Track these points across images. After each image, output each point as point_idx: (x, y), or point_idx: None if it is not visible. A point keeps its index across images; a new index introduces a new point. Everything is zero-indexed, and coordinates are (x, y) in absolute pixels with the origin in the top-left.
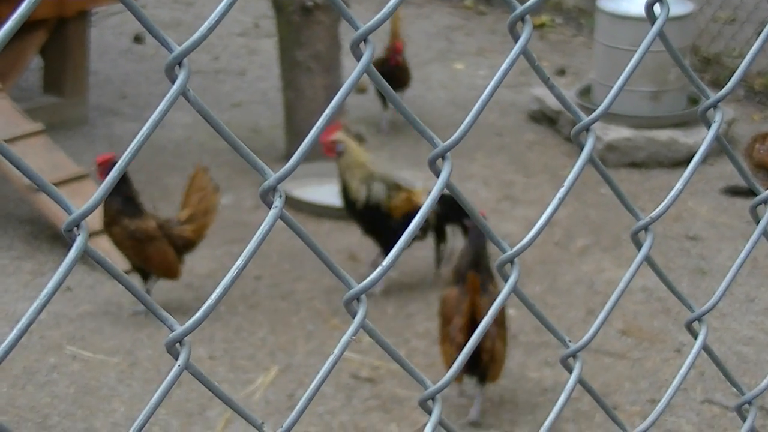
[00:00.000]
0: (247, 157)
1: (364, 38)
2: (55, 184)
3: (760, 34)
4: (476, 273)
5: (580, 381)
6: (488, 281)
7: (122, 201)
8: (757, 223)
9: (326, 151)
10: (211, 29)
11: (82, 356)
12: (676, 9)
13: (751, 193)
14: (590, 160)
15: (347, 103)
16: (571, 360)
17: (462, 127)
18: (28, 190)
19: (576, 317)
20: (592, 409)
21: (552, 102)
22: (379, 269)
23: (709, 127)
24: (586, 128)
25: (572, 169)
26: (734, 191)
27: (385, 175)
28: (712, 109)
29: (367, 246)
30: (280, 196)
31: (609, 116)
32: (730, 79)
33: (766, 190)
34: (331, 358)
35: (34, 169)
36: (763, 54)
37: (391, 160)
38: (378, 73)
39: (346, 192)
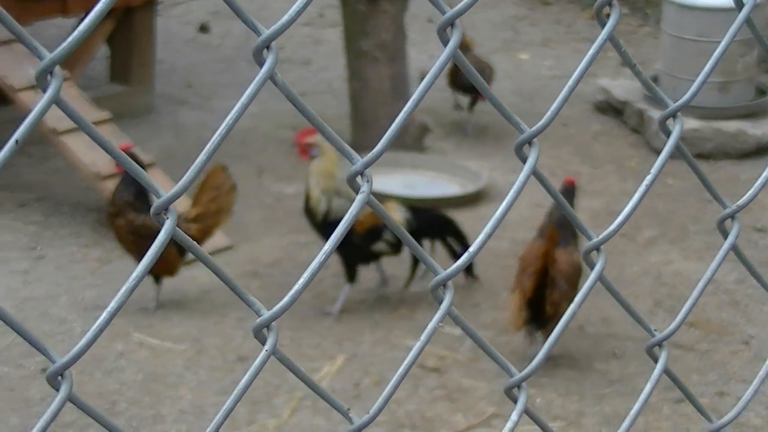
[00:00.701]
0: (335, 142)
1: (451, 22)
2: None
3: None
4: (557, 229)
5: (666, 371)
6: (570, 240)
7: (134, 194)
8: None
9: (299, 152)
10: (299, 12)
11: (149, 343)
12: None
13: None
14: (677, 148)
15: (412, 92)
16: (656, 349)
17: (548, 114)
18: (95, 179)
19: (643, 308)
20: (660, 401)
21: (618, 92)
22: (465, 256)
23: None
24: (673, 114)
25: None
26: None
27: (347, 190)
28: None
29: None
30: (368, 181)
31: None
32: None
33: None
34: (418, 344)
35: (103, 157)
36: None
37: (457, 150)
38: (464, 58)
39: (307, 200)
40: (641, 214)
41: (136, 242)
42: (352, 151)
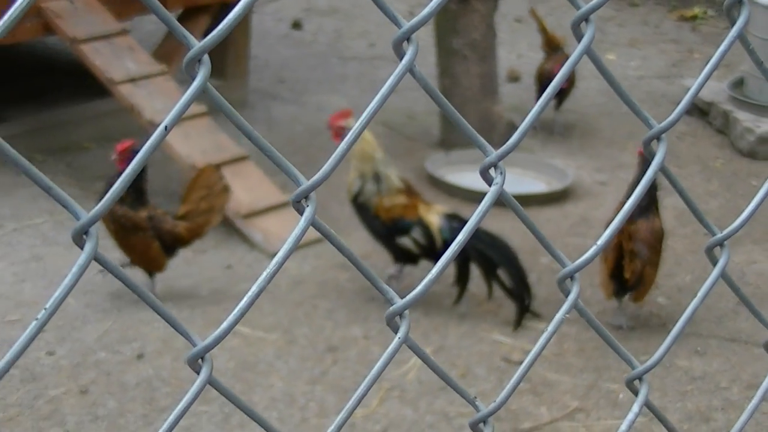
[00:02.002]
0: (471, 135)
1: (585, 18)
2: (218, 164)
3: None
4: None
5: None
6: (649, 209)
7: (129, 188)
8: None
9: (333, 135)
10: (440, 5)
11: (241, 332)
12: None
13: None
14: None
15: (501, 90)
16: None
17: (678, 108)
18: (190, 169)
19: (726, 308)
20: (741, 399)
21: (704, 93)
22: (593, 248)
23: None
24: (660, 135)
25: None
26: None
27: (388, 176)
28: None
29: (518, 228)
30: (501, 173)
31: (763, 109)
32: None
33: None
34: (545, 335)
35: (199, 150)
36: None
37: (543, 148)
38: (598, 56)
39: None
40: (725, 213)
41: (118, 232)
42: (485, 143)
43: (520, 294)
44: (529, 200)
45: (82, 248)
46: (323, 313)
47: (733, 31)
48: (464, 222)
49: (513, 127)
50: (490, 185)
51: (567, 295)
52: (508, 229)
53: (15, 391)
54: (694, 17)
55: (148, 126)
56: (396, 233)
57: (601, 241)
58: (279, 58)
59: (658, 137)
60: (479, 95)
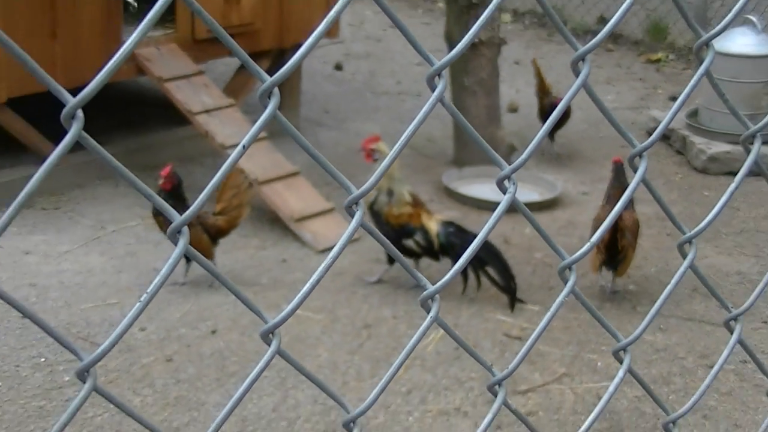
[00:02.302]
0: (489, 153)
1: (582, 57)
2: (274, 179)
3: None
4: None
5: (740, 341)
6: (630, 206)
7: (177, 188)
8: None
9: (365, 156)
10: (464, 48)
11: (296, 313)
12: (762, 47)
13: None
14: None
15: (503, 119)
16: (732, 323)
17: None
18: (255, 184)
19: (683, 293)
20: (695, 366)
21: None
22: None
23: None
24: (753, 135)
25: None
26: None
27: (399, 190)
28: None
29: (519, 231)
30: (513, 183)
31: (713, 134)
32: None
33: None
34: (548, 314)
35: (260, 166)
36: None
37: (537, 165)
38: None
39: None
40: (683, 218)
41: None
42: (501, 159)
43: (507, 284)
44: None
45: (176, 244)
46: (360, 297)
47: (701, 69)
48: (457, 228)
49: (513, 149)
50: (504, 193)
51: (566, 282)
52: (509, 230)
53: (114, 359)
54: (658, 60)
55: (219, 148)
56: (402, 236)
57: (594, 238)
58: (324, 93)
59: (640, 154)
60: (485, 122)
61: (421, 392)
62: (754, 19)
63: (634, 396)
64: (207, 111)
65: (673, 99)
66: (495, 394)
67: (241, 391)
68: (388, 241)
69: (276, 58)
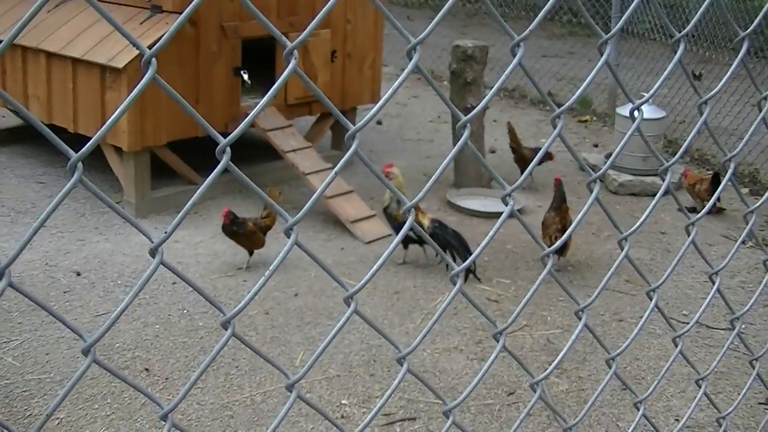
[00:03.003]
0: (496, 179)
1: (558, 116)
2: (337, 194)
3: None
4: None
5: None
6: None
7: (234, 219)
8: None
9: (385, 174)
10: (491, 97)
11: (350, 283)
12: (655, 114)
13: (693, 210)
14: (596, 199)
15: (487, 157)
16: (652, 293)
17: (606, 164)
18: (324, 198)
19: (604, 273)
20: (610, 321)
21: (591, 159)
22: (559, 241)
23: (663, 180)
24: (596, 179)
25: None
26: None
27: (403, 198)
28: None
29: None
30: (513, 200)
31: (621, 168)
32: (676, 153)
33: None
34: (536, 284)
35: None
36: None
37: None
38: (566, 139)
39: (384, 205)
40: (603, 224)
41: (248, 237)
42: (504, 183)
43: (469, 267)
44: (499, 215)
45: (288, 237)
46: (391, 273)
47: (635, 125)
48: (440, 223)
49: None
50: (506, 206)
51: (545, 265)
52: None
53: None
54: (586, 120)
55: (301, 175)
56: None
57: (564, 237)
58: (369, 139)
59: (594, 181)
60: (474, 160)
61: (431, 336)
62: (646, 95)
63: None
64: (293, 150)
65: (596, 146)
66: (497, 340)
67: (326, 342)
68: (430, 239)
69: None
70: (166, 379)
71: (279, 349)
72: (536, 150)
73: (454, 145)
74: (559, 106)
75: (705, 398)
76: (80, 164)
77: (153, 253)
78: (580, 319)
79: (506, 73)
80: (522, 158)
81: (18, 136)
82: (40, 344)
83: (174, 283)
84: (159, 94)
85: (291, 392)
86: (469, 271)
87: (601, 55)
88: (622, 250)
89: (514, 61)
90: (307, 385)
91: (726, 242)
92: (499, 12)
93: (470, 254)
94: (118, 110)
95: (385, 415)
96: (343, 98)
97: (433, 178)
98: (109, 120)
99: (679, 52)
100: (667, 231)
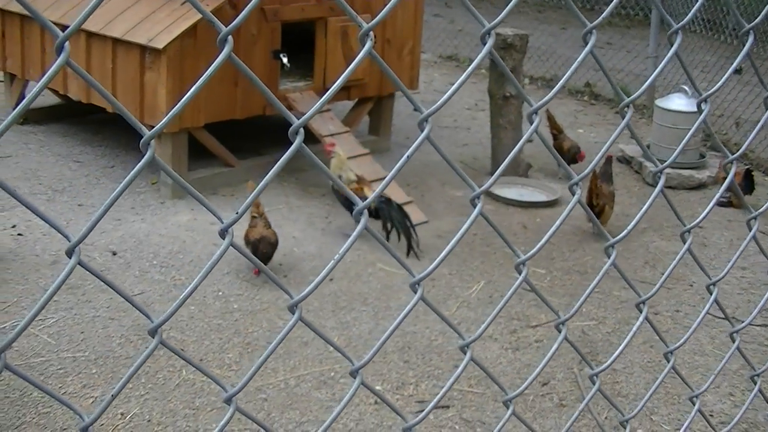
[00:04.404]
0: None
1: (627, 104)
2: (375, 180)
3: (737, 124)
4: (599, 176)
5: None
6: (608, 181)
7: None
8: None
9: (326, 154)
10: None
11: (384, 270)
12: (695, 107)
13: (729, 204)
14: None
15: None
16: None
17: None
18: (356, 183)
19: (638, 264)
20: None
21: (628, 151)
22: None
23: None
24: (662, 171)
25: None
26: (726, 204)
27: (347, 174)
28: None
29: (532, 221)
30: (579, 188)
31: (659, 160)
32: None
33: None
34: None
35: (368, 172)
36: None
37: (545, 178)
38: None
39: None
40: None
41: (260, 243)
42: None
43: (409, 243)
44: (536, 205)
45: (358, 222)
46: (427, 261)
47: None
48: (387, 199)
49: (529, 166)
50: (573, 195)
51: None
52: (526, 220)
53: (267, 294)
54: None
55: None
56: (352, 204)
57: (629, 228)
58: (406, 126)
59: (660, 172)
60: (512, 149)
61: (466, 324)
62: (686, 88)
63: (605, 331)
64: (331, 135)
65: (632, 137)
66: (559, 331)
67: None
68: (491, 221)
69: (376, 102)
70: (200, 360)
71: (313, 333)
72: (575, 145)
73: (492, 133)
74: (597, 96)
75: (736, 396)
76: (152, 142)
77: (223, 234)
78: (641, 311)
79: (578, 60)
80: (559, 147)
81: (55, 115)
82: (75, 322)
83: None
84: (197, 76)
85: (355, 377)
86: (410, 247)
87: (585, 44)
88: (684, 242)
89: (586, 48)
90: (341, 371)
91: (763, 238)
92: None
93: (413, 228)
94: (195, 86)
95: (419, 402)
96: (381, 84)
97: (503, 164)
98: (185, 97)
99: (747, 45)
100: (704, 225)
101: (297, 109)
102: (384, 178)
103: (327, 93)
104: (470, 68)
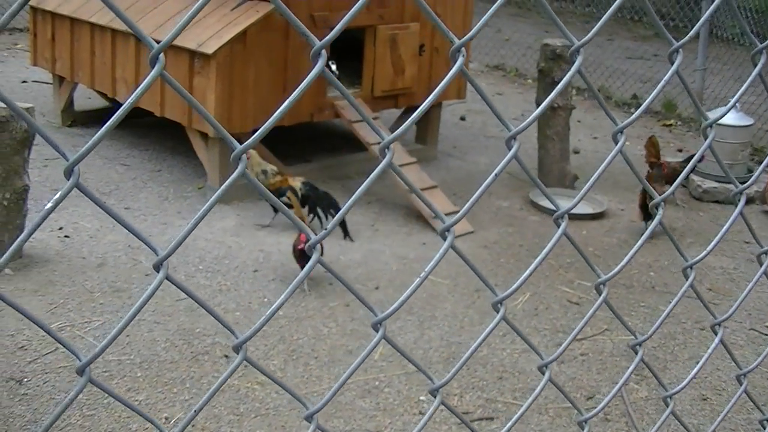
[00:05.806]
0: (418, 194)
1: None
2: (421, 189)
3: None
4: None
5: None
6: (663, 184)
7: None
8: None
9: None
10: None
11: (430, 279)
12: (742, 121)
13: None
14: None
15: (570, 158)
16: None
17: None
18: (406, 193)
19: (683, 279)
20: (692, 329)
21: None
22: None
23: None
24: (742, 192)
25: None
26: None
27: (267, 168)
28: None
29: (578, 233)
30: (662, 208)
31: (705, 175)
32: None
33: None
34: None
35: (414, 180)
36: None
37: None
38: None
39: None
40: (685, 229)
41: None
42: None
43: (344, 228)
44: (582, 217)
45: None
46: (471, 271)
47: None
48: (312, 185)
49: (576, 178)
50: (654, 215)
51: (497, 312)
52: (571, 232)
53: (313, 301)
54: (670, 125)
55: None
56: (279, 196)
57: (710, 247)
58: (453, 135)
59: (741, 193)
60: (559, 159)
61: (512, 336)
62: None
63: (651, 346)
64: (378, 143)
65: (680, 150)
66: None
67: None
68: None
69: (427, 111)
70: (245, 366)
71: (358, 342)
72: (685, 161)
73: (539, 143)
74: (645, 109)
75: None
76: (244, 156)
77: (310, 250)
78: (715, 334)
79: (665, 79)
80: (672, 173)
81: (103, 118)
82: None
83: (255, 271)
84: (246, 82)
85: (435, 397)
86: (345, 233)
87: (672, 63)
88: (761, 265)
89: (673, 67)
90: (386, 380)
91: None
92: (583, 12)
93: (338, 211)
94: (299, 87)
95: (464, 413)
96: (429, 92)
97: (592, 180)
98: (285, 103)
99: (759, 65)
100: (751, 240)
101: (344, 117)
102: (431, 187)
103: (416, 112)
104: (560, 85)
